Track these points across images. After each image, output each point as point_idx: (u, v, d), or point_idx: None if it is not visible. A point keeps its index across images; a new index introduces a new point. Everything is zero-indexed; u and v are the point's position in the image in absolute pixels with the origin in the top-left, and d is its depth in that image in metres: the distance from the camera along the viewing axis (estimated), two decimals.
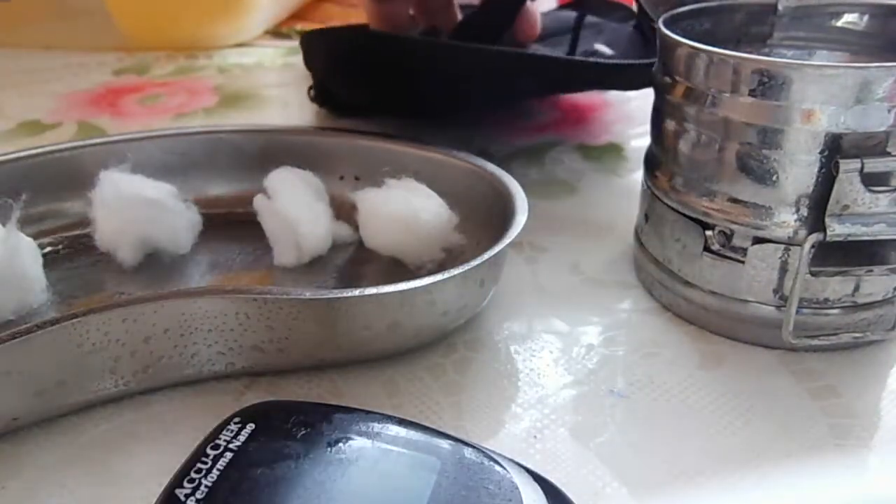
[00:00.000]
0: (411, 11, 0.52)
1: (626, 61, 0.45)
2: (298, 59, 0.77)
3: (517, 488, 0.21)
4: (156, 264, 0.38)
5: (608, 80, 0.45)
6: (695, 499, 0.26)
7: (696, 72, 0.31)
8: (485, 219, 0.36)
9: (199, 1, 0.78)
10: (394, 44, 0.43)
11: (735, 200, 0.31)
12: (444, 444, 0.23)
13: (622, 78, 0.45)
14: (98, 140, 0.42)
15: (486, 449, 0.23)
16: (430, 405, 0.30)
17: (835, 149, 0.28)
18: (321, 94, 0.55)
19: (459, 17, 0.52)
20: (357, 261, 0.39)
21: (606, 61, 0.46)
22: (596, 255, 0.40)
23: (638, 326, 0.35)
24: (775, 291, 0.32)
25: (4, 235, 0.33)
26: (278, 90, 0.68)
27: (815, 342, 0.32)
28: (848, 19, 0.37)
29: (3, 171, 0.39)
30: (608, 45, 0.53)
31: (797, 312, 0.31)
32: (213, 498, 0.20)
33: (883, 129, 0.28)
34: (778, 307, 0.32)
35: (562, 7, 0.64)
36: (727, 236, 0.32)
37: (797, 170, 0.29)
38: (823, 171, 0.29)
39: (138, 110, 0.63)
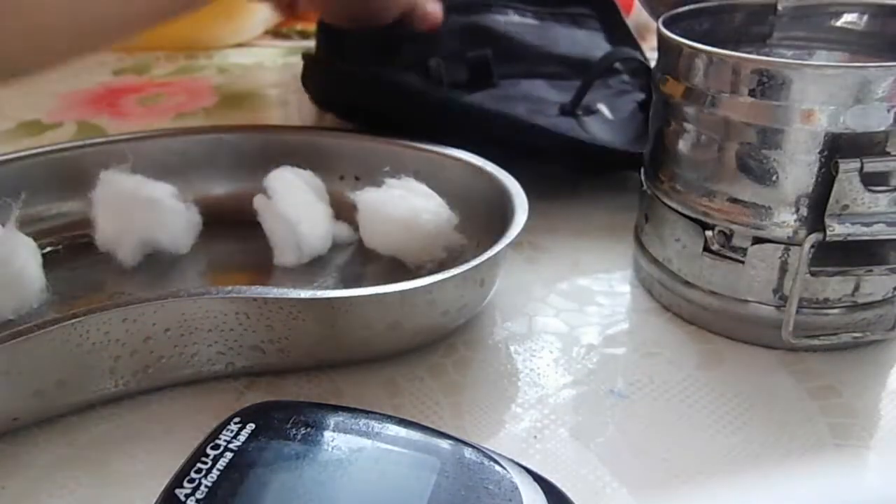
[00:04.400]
0: None
1: (622, 148, 0.45)
2: (298, 59, 0.77)
3: (517, 488, 0.21)
4: (156, 264, 0.38)
5: (599, 160, 0.46)
6: (695, 499, 0.26)
7: (696, 72, 0.31)
8: (485, 219, 0.36)
9: None
10: (399, 96, 0.44)
11: (735, 200, 0.31)
12: (444, 444, 0.23)
13: (613, 161, 0.45)
14: (98, 140, 0.42)
15: (486, 449, 0.23)
16: (430, 405, 0.30)
17: (834, 149, 0.28)
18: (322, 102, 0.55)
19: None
20: (357, 261, 0.39)
21: (613, 146, 0.45)
22: (596, 255, 0.40)
23: (638, 326, 0.35)
24: (775, 291, 0.32)
25: (4, 235, 0.33)
26: (278, 90, 0.68)
27: (815, 342, 0.32)
28: (847, 19, 0.37)
29: (3, 171, 0.39)
30: (611, 108, 0.52)
31: (797, 312, 0.31)
32: (213, 498, 0.20)
33: (882, 129, 0.28)
34: (778, 307, 0.32)
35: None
36: (727, 236, 0.32)
37: (797, 170, 0.29)
38: (823, 171, 0.29)
39: (138, 110, 0.63)
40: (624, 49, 0.56)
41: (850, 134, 0.28)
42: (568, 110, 0.52)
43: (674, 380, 0.31)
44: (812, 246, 0.29)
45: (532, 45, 0.59)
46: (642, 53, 0.58)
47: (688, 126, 0.32)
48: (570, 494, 0.23)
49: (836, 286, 0.31)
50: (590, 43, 0.61)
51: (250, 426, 0.22)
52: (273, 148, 0.42)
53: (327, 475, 0.21)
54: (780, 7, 0.37)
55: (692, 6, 0.36)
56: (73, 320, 0.27)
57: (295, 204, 0.38)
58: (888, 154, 0.28)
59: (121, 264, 0.37)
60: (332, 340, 0.30)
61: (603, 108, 0.53)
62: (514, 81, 0.57)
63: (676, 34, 0.32)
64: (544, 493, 0.22)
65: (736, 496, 0.26)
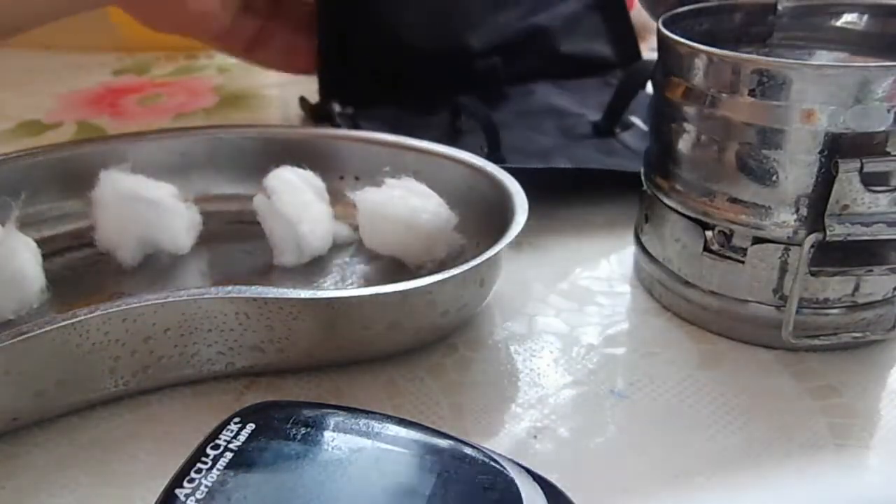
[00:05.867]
0: None
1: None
2: None
3: (517, 488, 0.21)
4: (156, 264, 0.38)
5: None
6: (695, 499, 0.26)
7: (695, 72, 0.31)
8: (485, 219, 0.36)
9: None
10: None
11: (735, 200, 0.31)
12: (444, 444, 0.23)
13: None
14: (98, 140, 0.42)
15: (486, 449, 0.23)
16: (430, 405, 0.30)
17: (834, 149, 0.28)
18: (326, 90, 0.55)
19: None
20: (357, 261, 0.39)
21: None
22: (596, 255, 0.40)
23: (638, 326, 0.35)
24: (775, 291, 0.32)
25: (4, 235, 0.33)
26: (278, 90, 0.68)
27: (815, 342, 0.32)
28: (847, 19, 0.37)
29: (3, 171, 0.39)
30: (644, 119, 0.51)
31: (797, 312, 0.31)
32: (213, 498, 0.20)
33: (883, 129, 0.28)
34: (778, 307, 0.32)
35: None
36: (727, 236, 0.32)
37: (797, 170, 0.29)
38: (823, 171, 0.29)
39: (138, 110, 0.63)
40: (649, 60, 0.55)
41: (850, 134, 0.28)
42: (604, 129, 0.50)
43: (674, 380, 0.31)
44: (812, 246, 0.29)
45: (533, 41, 0.58)
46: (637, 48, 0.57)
47: (688, 126, 0.32)
48: (570, 494, 0.23)
49: (836, 286, 0.31)
50: (589, 39, 0.60)
51: (250, 426, 0.22)
52: (273, 148, 0.42)
53: (327, 475, 0.21)
54: (780, 7, 0.37)
55: (692, 6, 0.36)
56: (73, 320, 0.27)
57: (295, 204, 0.38)
58: (888, 154, 0.28)
59: (121, 264, 0.37)
60: (332, 340, 0.30)
61: (637, 120, 0.51)
62: (523, 89, 0.56)
63: (676, 34, 0.32)
64: (544, 493, 0.22)
65: (736, 496, 0.26)
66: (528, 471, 0.23)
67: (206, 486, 0.20)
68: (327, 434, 0.22)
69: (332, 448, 0.22)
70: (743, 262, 0.32)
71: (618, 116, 0.50)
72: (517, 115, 0.53)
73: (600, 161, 0.47)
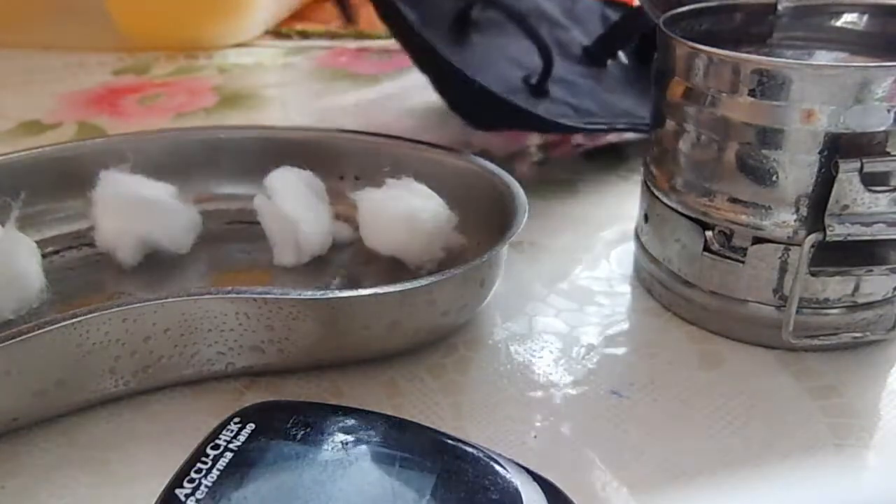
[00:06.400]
0: None
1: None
2: (298, 59, 0.77)
3: (517, 488, 0.21)
4: (156, 264, 0.38)
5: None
6: (695, 499, 0.26)
7: (695, 72, 0.31)
8: (485, 219, 0.36)
9: (199, 1, 0.78)
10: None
11: (735, 200, 0.31)
12: (444, 443, 0.23)
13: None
14: (98, 140, 0.42)
15: (486, 449, 0.23)
16: (430, 405, 0.30)
17: (834, 149, 0.28)
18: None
19: None
20: (357, 261, 0.39)
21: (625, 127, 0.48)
22: (596, 255, 0.40)
23: (638, 326, 0.35)
24: (775, 291, 0.32)
25: (4, 235, 0.33)
26: (278, 90, 0.68)
27: (815, 342, 0.32)
28: (847, 19, 0.37)
29: (3, 171, 0.39)
30: (627, 52, 0.54)
31: (797, 312, 0.31)
32: (213, 498, 0.20)
33: (882, 129, 0.28)
34: (778, 307, 0.32)
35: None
36: (727, 236, 0.32)
37: (797, 170, 0.29)
38: (823, 171, 0.29)
39: (138, 110, 0.63)
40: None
41: (850, 134, 0.28)
42: (597, 58, 0.52)
43: (674, 380, 0.31)
44: (812, 246, 0.29)
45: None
46: None
47: (688, 126, 0.32)
48: (570, 494, 0.23)
49: (836, 286, 0.31)
50: None
51: (250, 426, 0.22)
52: (273, 148, 0.42)
53: (327, 475, 0.21)
54: (780, 7, 0.37)
55: (692, 6, 0.36)
56: (73, 320, 0.27)
57: (295, 204, 0.37)
58: (888, 154, 0.29)
59: (121, 264, 0.37)
60: (332, 340, 0.30)
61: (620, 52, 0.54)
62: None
63: (676, 34, 0.32)
64: (544, 493, 0.22)
65: (736, 496, 0.26)
66: (528, 471, 0.23)
67: (206, 486, 0.20)
68: (327, 434, 0.22)
69: (332, 448, 0.22)
70: (743, 262, 0.32)
71: (612, 52, 0.52)
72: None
73: (622, 110, 0.48)
